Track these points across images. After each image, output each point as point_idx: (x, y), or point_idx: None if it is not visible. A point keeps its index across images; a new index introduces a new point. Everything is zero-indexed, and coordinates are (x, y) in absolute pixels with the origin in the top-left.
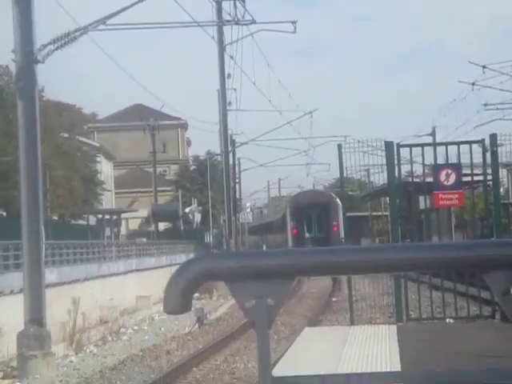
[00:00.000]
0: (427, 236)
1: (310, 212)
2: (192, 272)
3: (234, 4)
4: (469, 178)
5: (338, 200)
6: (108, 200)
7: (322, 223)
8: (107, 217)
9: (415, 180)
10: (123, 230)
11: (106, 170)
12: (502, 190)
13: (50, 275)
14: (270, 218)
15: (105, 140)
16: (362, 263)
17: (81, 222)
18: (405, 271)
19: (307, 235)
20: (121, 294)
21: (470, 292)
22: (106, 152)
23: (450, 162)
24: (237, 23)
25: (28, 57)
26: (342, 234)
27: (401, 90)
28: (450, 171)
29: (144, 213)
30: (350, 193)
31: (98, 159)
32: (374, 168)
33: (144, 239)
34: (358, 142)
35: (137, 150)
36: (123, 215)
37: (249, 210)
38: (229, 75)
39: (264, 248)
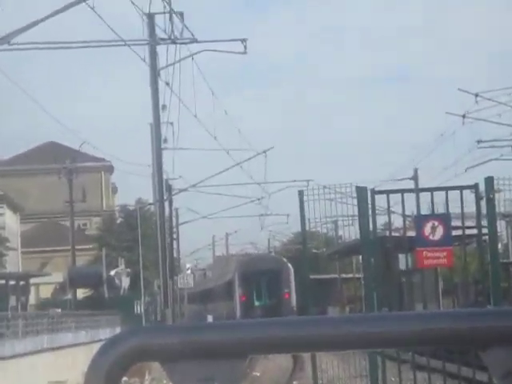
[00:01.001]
0: (409, 303)
1: (260, 278)
2: (119, 350)
3: (170, 18)
4: (460, 232)
5: (289, 265)
6: (13, 261)
7: (272, 290)
8: (12, 282)
9: (394, 234)
10: (32, 299)
11: (10, 223)
12: (500, 246)
13: None
14: (216, 283)
15: (9, 187)
16: (330, 338)
17: None
18: (382, 348)
19: (256, 303)
20: (28, 380)
21: (463, 373)
22: (11, 201)
23: (436, 211)
24: (174, 42)
25: None
26: (294, 302)
27: (374, 123)
28: (436, 223)
29: (59, 277)
30: (314, 250)
31: (1, 210)
32: (344, 219)
33: (59, 310)
34: (324, 187)
35: (50, 199)
36: (32, 280)
37: (189, 272)
38: (164, 106)
39: (209, 319)
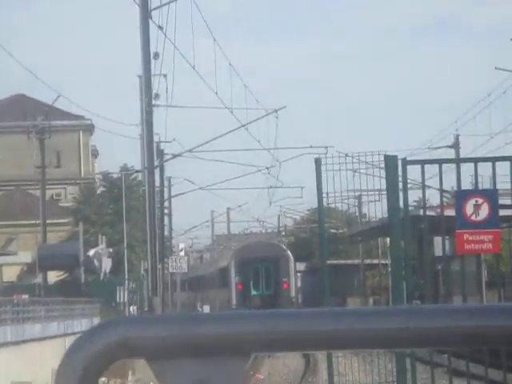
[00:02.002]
0: (446, 296)
1: (258, 266)
2: (97, 345)
3: None
4: (509, 212)
5: (289, 253)
6: None
7: (270, 279)
8: None
9: (429, 213)
10: None
11: None
12: None
13: None
14: (214, 268)
15: None
16: (349, 334)
17: None
18: (412, 348)
19: (253, 292)
20: None
21: (510, 381)
22: None
23: (480, 187)
24: None
25: None
26: (293, 292)
27: (408, 82)
28: (480, 201)
29: (26, 257)
30: (333, 230)
31: None
32: (369, 194)
33: (26, 296)
34: (346, 155)
35: (17, 163)
36: None
37: (183, 253)
38: (156, 54)
39: (206, 311)
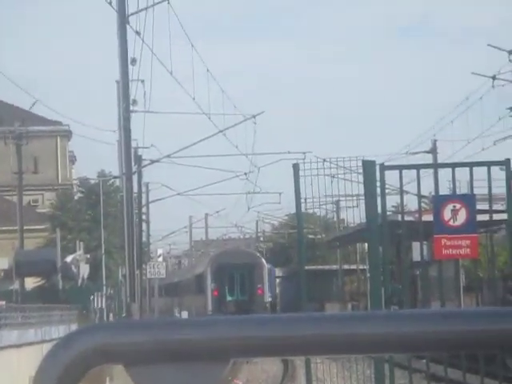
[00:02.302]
0: (424, 301)
1: (233, 273)
2: (74, 351)
3: None
4: (486, 217)
5: (263, 260)
6: None
7: (245, 285)
8: None
9: (407, 218)
10: None
11: None
12: None
13: None
14: (191, 274)
15: None
16: (327, 339)
17: None
18: (389, 353)
19: (229, 298)
20: None
21: None
22: None
23: (458, 192)
24: None
25: None
26: (267, 298)
27: (386, 86)
28: (458, 206)
29: (3, 263)
30: (311, 236)
31: None
32: (347, 200)
33: (3, 303)
34: (324, 160)
35: None
36: None
37: (161, 259)
38: (133, 60)
39: (184, 317)
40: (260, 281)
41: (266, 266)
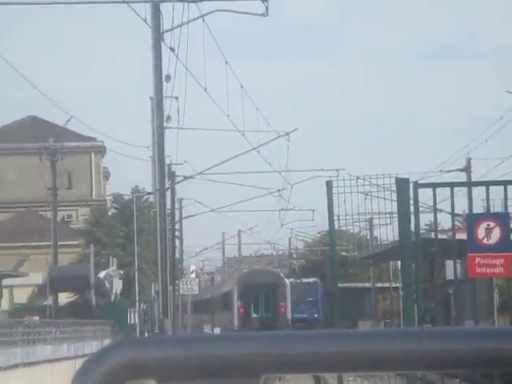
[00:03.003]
0: (457, 319)
1: (258, 292)
2: (107, 366)
3: None
4: None
5: (286, 280)
6: None
7: (269, 303)
8: None
9: (440, 236)
10: (5, 304)
11: None
12: None
13: None
14: (218, 292)
15: None
16: (360, 356)
17: None
18: (423, 371)
19: (254, 315)
20: None
21: None
22: None
23: (492, 210)
24: None
25: None
26: (289, 316)
27: (420, 106)
28: (492, 224)
29: (37, 278)
30: (344, 253)
31: None
32: (380, 217)
33: (36, 318)
34: (357, 178)
35: (29, 185)
36: (5, 281)
37: (194, 275)
38: (168, 77)
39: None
40: (283, 299)
41: (289, 285)
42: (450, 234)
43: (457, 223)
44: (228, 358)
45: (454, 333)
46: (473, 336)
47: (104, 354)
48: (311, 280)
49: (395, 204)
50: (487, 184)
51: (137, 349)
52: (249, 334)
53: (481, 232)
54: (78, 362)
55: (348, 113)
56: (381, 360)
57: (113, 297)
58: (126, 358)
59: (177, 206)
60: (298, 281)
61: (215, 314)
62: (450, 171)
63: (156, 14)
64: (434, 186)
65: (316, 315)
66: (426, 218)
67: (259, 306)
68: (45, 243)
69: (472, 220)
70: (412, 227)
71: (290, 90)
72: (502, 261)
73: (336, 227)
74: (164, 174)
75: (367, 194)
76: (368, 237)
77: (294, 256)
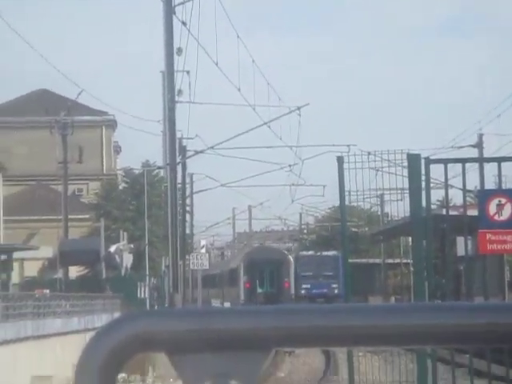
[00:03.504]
0: (467, 295)
1: (263, 268)
2: (117, 338)
3: None
4: None
5: (290, 257)
6: None
7: (273, 279)
8: None
9: (451, 212)
10: (15, 277)
11: None
12: None
13: None
14: (226, 268)
15: None
16: (369, 330)
17: None
18: (433, 345)
19: (259, 290)
20: (7, 374)
21: None
22: None
23: (504, 187)
24: None
25: None
26: (293, 291)
27: (433, 79)
28: (503, 200)
29: (48, 252)
30: (354, 229)
31: None
32: (391, 193)
33: (47, 291)
34: (368, 154)
35: (39, 159)
36: (16, 254)
37: (204, 250)
38: (179, 50)
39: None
40: (287, 275)
41: (293, 261)
42: (462, 210)
43: (468, 199)
44: (238, 332)
45: (464, 307)
46: (483, 311)
47: (114, 326)
48: (331, 253)
49: (406, 180)
50: (499, 160)
51: (147, 321)
52: (258, 308)
53: (492, 208)
54: (88, 335)
55: (360, 89)
56: (391, 335)
57: (123, 271)
58: (135, 331)
59: (187, 180)
60: (318, 254)
61: (223, 288)
62: (462, 147)
63: None
64: (445, 161)
65: (336, 290)
66: (437, 194)
67: (264, 281)
68: (55, 217)
69: (483, 196)
70: (423, 203)
71: (301, 65)
72: None
73: (347, 203)
74: (175, 148)
75: (378, 170)
76: (379, 213)
77: (305, 231)
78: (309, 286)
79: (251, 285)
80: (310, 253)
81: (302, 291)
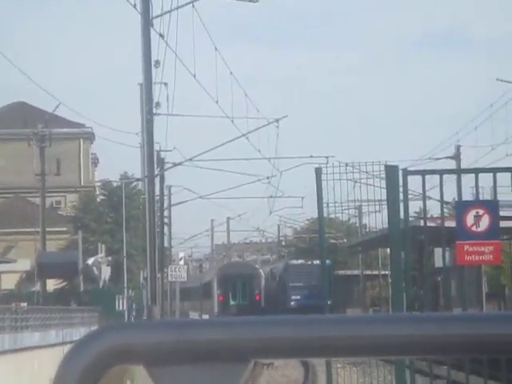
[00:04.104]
0: (445, 307)
1: (236, 281)
2: (94, 351)
3: None
4: (510, 224)
5: (261, 271)
6: None
7: (245, 292)
8: None
9: (429, 224)
10: None
11: None
12: None
13: None
14: (199, 282)
15: None
16: (347, 341)
17: None
18: (409, 355)
19: (232, 302)
20: None
21: None
22: None
23: (481, 197)
24: None
25: None
26: (263, 303)
27: (408, 93)
28: (481, 212)
29: (25, 265)
30: (333, 241)
31: None
32: (369, 205)
33: (24, 304)
34: (346, 165)
35: (17, 171)
36: None
37: (182, 262)
38: (157, 62)
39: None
40: (258, 288)
41: (263, 275)
42: (439, 221)
43: (446, 211)
44: (216, 343)
45: (441, 318)
46: (461, 321)
47: (91, 339)
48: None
49: (384, 191)
50: (476, 171)
51: (125, 333)
52: (236, 319)
53: (470, 219)
54: (66, 349)
55: (337, 101)
56: (369, 345)
57: (101, 283)
58: (113, 343)
59: (166, 192)
60: (309, 263)
61: (196, 301)
62: (440, 159)
63: None
64: (423, 173)
65: (329, 302)
66: (415, 206)
67: (237, 294)
68: (33, 229)
69: (461, 207)
70: (401, 215)
71: (279, 78)
72: (490, 248)
73: (325, 214)
74: (153, 160)
75: (356, 181)
76: (357, 224)
77: (283, 243)
78: (298, 297)
79: (224, 297)
80: (300, 262)
81: (292, 303)
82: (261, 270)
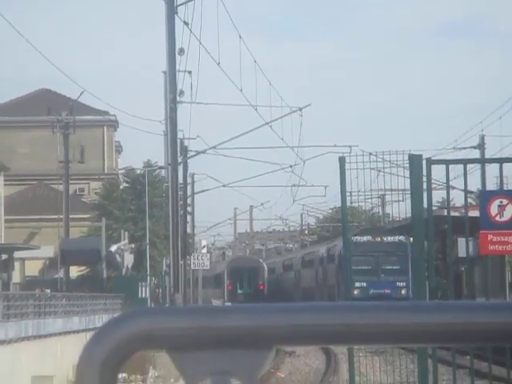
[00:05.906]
0: (468, 296)
1: (243, 273)
2: (118, 336)
3: None
4: None
5: (264, 265)
6: None
7: (251, 282)
8: None
9: (453, 213)
10: (16, 277)
11: None
12: None
13: None
14: (212, 273)
15: None
16: (370, 328)
17: None
18: (432, 344)
19: (239, 291)
20: (8, 373)
21: None
22: None
23: (505, 187)
24: None
25: None
26: (266, 292)
27: (434, 82)
28: (505, 201)
29: (49, 251)
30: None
31: None
32: (392, 194)
33: (48, 290)
34: (370, 154)
35: (41, 158)
36: (17, 254)
37: (205, 250)
38: (181, 50)
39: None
40: (261, 279)
41: (266, 268)
42: (463, 211)
43: (470, 200)
44: (239, 329)
45: (463, 306)
46: (483, 310)
47: (115, 324)
48: (397, 239)
49: (408, 181)
50: (501, 161)
51: (148, 319)
52: (260, 306)
53: (493, 209)
54: (89, 335)
55: (362, 90)
56: (392, 333)
57: (124, 270)
58: (137, 328)
59: (189, 180)
60: (378, 239)
61: (208, 289)
62: (464, 148)
63: None
64: (447, 162)
65: (404, 291)
66: (438, 195)
67: (243, 284)
68: (56, 216)
69: (485, 197)
70: (424, 204)
71: (304, 66)
72: None
73: (348, 203)
74: (176, 148)
75: (380, 171)
76: (380, 213)
77: (306, 232)
78: (365, 284)
79: (233, 287)
80: (367, 238)
81: (355, 292)
82: (264, 264)
